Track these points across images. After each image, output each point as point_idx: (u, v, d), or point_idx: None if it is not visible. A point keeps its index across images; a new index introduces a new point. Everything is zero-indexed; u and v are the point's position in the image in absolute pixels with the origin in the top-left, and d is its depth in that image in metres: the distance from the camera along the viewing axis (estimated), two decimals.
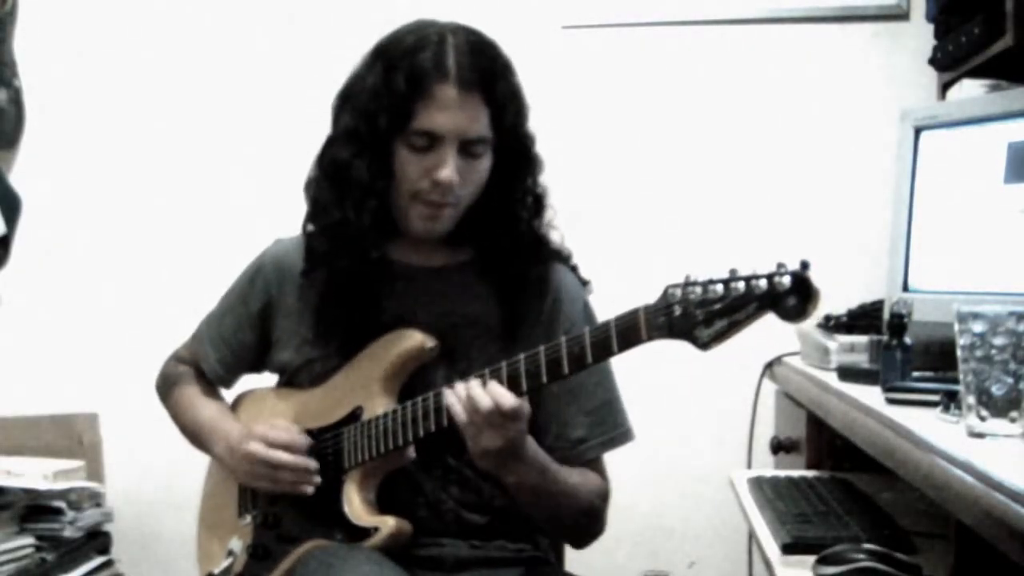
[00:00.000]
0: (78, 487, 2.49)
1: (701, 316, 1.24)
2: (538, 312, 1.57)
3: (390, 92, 1.47)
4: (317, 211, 1.59)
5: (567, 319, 1.58)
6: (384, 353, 1.55)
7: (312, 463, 1.55)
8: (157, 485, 2.72)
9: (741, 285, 1.22)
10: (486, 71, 1.48)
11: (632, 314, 1.30)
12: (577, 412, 1.57)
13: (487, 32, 1.57)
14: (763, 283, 1.20)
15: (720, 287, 1.23)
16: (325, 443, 1.57)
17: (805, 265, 1.19)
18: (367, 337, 1.56)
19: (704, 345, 1.25)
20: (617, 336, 1.31)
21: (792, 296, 1.18)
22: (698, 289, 1.24)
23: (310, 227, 1.60)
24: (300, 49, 2.69)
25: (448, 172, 1.47)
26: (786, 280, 1.19)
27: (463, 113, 1.47)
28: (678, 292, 1.26)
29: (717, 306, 1.23)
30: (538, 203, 1.60)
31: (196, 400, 1.74)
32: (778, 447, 2.22)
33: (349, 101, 1.55)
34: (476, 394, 1.38)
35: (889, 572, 1.36)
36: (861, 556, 1.38)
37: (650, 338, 1.29)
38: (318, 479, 1.54)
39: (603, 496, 1.61)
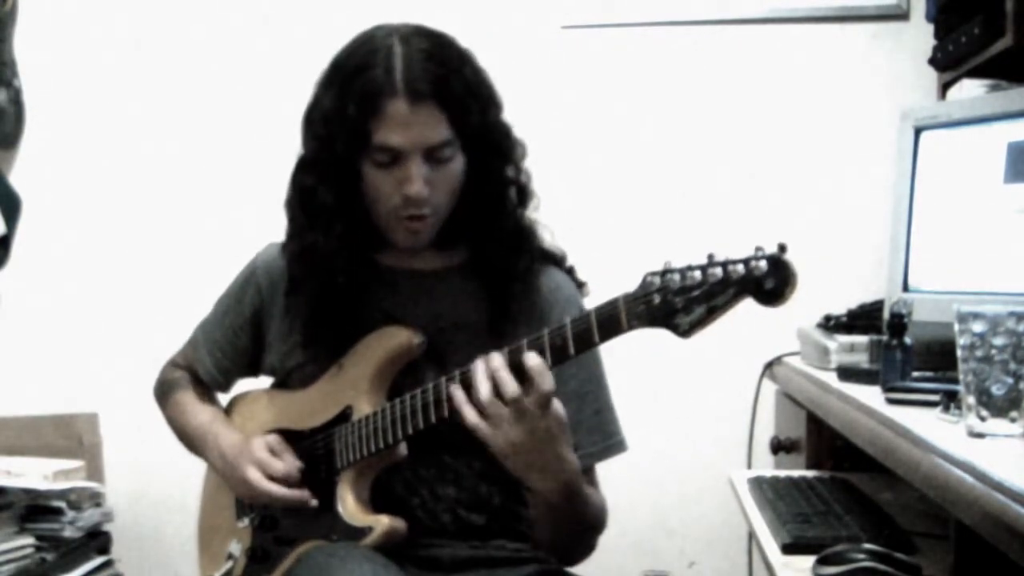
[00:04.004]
0: (78, 487, 2.48)
1: (680, 303, 1.23)
2: (529, 315, 1.56)
3: (344, 115, 1.46)
4: (292, 234, 1.59)
5: (559, 322, 1.57)
6: (371, 351, 1.55)
7: (307, 495, 1.54)
8: (157, 485, 2.72)
9: (718, 270, 1.21)
10: (437, 76, 1.45)
11: (612, 303, 1.30)
12: (570, 422, 1.57)
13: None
14: (740, 267, 1.20)
15: (698, 273, 1.23)
16: (317, 444, 1.57)
17: (782, 248, 1.19)
18: (357, 341, 1.56)
19: (684, 332, 1.24)
20: (598, 326, 1.31)
21: (770, 279, 1.18)
22: (676, 276, 1.24)
23: (289, 248, 1.60)
24: (300, 50, 2.68)
25: (416, 186, 1.46)
26: (763, 264, 1.18)
27: (418, 125, 1.45)
28: (657, 280, 1.26)
29: (695, 292, 1.22)
30: (522, 191, 1.59)
31: (191, 406, 1.74)
32: (778, 447, 2.22)
33: (311, 125, 1.54)
34: (502, 377, 1.34)
35: (889, 572, 1.36)
36: (861, 556, 1.38)
37: (630, 327, 1.28)
38: (315, 503, 1.54)
39: (606, 513, 1.61)
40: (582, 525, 1.53)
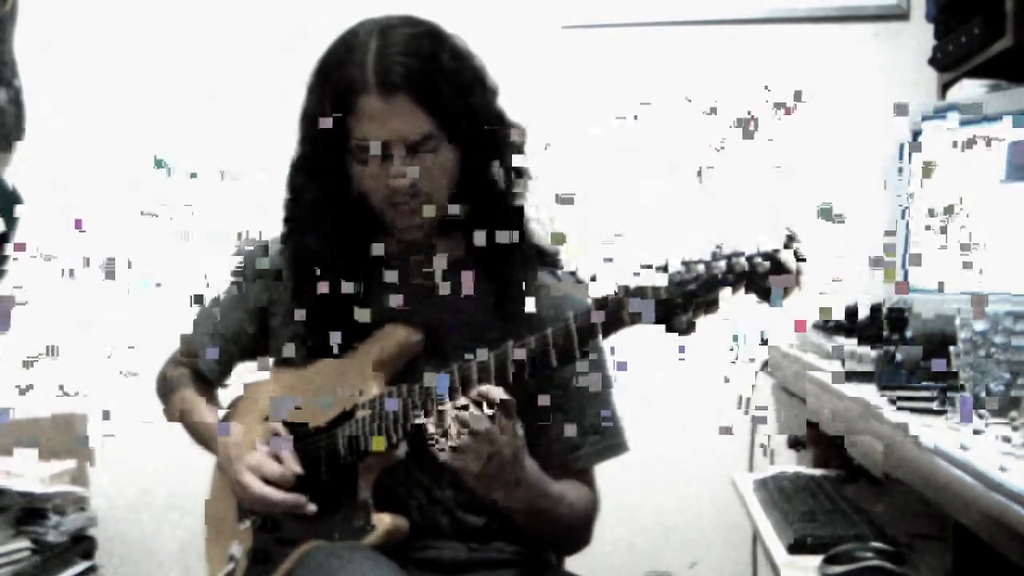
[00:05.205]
0: (62, 491, 2.47)
1: (681, 298, 1.24)
2: (532, 315, 1.53)
3: (324, 115, 1.46)
4: (287, 234, 1.60)
5: (563, 320, 1.56)
6: (371, 351, 1.55)
7: (302, 499, 1.53)
8: (156, 486, 2.72)
9: (722, 265, 1.21)
10: (410, 69, 1.44)
11: (614, 299, 1.30)
12: (573, 421, 1.56)
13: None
14: (743, 262, 1.20)
15: (701, 267, 1.23)
16: (319, 443, 1.57)
17: (790, 239, 1.19)
18: (358, 337, 1.56)
19: (685, 328, 1.25)
20: (600, 321, 1.31)
21: (772, 276, 1.18)
22: (679, 271, 1.24)
23: (286, 249, 1.61)
24: (300, 48, 2.68)
25: (399, 180, 1.46)
26: (766, 262, 1.18)
27: (393, 119, 1.44)
28: (659, 275, 1.26)
29: (697, 287, 1.23)
30: (519, 175, 1.57)
31: (198, 404, 1.73)
32: (795, 443, 2.22)
33: (300, 124, 1.54)
34: (457, 413, 1.34)
35: (896, 571, 1.36)
36: (868, 555, 1.38)
37: (632, 322, 1.29)
38: (312, 508, 1.54)
39: (594, 511, 1.61)
40: (559, 521, 1.53)
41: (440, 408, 1.36)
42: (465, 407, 1.33)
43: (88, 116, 2.79)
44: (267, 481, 1.54)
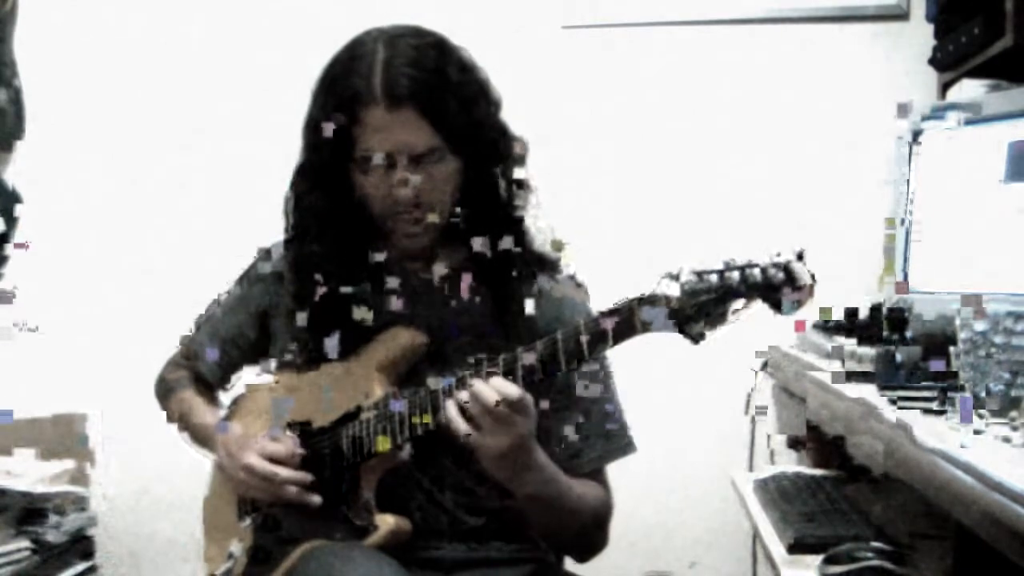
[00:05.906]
0: (62, 491, 2.47)
1: (692, 308, 1.24)
2: (535, 319, 1.54)
3: (329, 123, 1.46)
4: (289, 240, 1.61)
5: (570, 325, 1.56)
6: (376, 353, 1.55)
7: (308, 476, 1.54)
8: (156, 486, 2.72)
9: (735, 275, 1.22)
10: (416, 81, 1.44)
11: (626, 306, 1.31)
12: (578, 423, 1.57)
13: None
14: (756, 273, 1.20)
15: (714, 277, 1.23)
16: (323, 444, 1.57)
17: (800, 256, 1.19)
18: (362, 342, 1.56)
19: (696, 337, 1.25)
20: (611, 328, 1.31)
21: (785, 288, 1.18)
22: (692, 280, 1.24)
23: (289, 254, 1.61)
24: (302, 50, 2.69)
25: (402, 191, 1.47)
26: (780, 274, 1.19)
27: (398, 131, 1.44)
28: (673, 284, 1.26)
29: (709, 297, 1.23)
30: (521, 190, 1.57)
31: (197, 406, 1.74)
32: (795, 443, 2.22)
33: (305, 132, 1.55)
34: (478, 389, 1.36)
35: (896, 571, 1.36)
36: (868, 555, 1.38)
37: (644, 330, 1.29)
38: (317, 499, 1.53)
39: (608, 508, 1.61)
40: (571, 514, 1.53)
41: (461, 394, 1.38)
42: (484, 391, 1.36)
43: (88, 116, 2.78)
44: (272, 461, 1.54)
